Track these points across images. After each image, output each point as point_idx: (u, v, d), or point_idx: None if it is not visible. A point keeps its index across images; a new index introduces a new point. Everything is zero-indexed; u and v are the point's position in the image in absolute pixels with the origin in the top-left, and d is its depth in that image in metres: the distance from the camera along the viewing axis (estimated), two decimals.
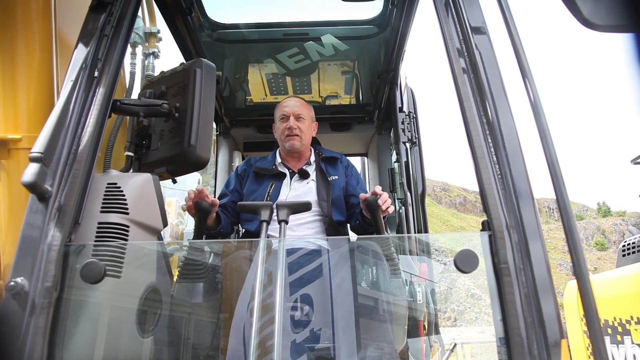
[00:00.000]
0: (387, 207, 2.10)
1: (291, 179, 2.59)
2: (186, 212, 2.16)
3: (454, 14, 1.59)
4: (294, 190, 2.54)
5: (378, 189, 2.10)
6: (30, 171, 1.29)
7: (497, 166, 1.34)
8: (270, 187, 2.52)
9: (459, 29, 1.56)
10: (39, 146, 1.35)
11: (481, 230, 1.32)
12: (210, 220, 2.26)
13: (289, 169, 2.64)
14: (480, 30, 1.52)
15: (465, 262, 1.26)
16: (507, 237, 1.25)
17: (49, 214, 1.32)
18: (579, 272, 1.08)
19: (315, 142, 2.86)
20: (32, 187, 1.29)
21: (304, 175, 2.59)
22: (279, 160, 2.69)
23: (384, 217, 2.21)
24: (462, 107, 1.45)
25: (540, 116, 1.24)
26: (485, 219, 1.32)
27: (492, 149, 1.36)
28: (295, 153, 2.67)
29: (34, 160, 1.32)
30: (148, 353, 1.63)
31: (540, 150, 1.23)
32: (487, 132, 1.39)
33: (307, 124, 2.65)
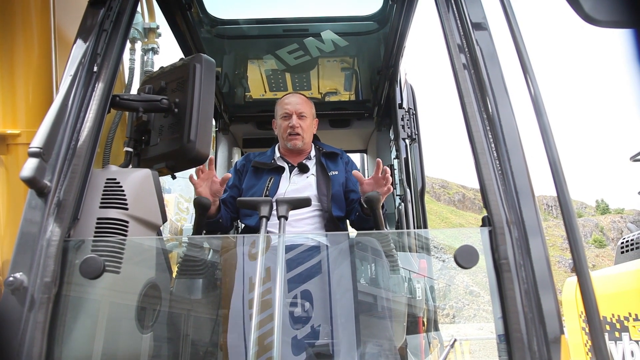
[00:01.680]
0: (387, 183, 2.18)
1: (290, 173, 2.58)
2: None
3: (455, 9, 1.58)
4: (293, 184, 2.52)
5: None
6: (29, 166, 1.29)
7: (497, 162, 1.34)
8: (269, 181, 2.50)
9: (459, 25, 1.55)
10: (37, 141, 1.34)
11: (481, 226, 1.32)
12: (214, 207, 2.28)
13: (288, 162, 2.63)
14: (481, 26, 1.51)
15: (465, 258, 1.26)
16: (508, 232, 1.25)
17: (48, 209, 1.31)
18: (580, 269, 1.08)
19: (315, 138, 2.84)
20: (31, 182, 1.29)
21: (303, 169, 2.57)
22: (277, 154, 2.68)
23: (383, 211, 2.22)
24: (463, 103, 1.45)
25: (541, 112, 1.24)
26: (486, 214, 1.32)
27: (493, 145, 1.36)
28: (295, 150, 2.66)
29: (32, 155, 1.31)
30: (147, 349, 1.63)
31: (540, 146, 1.22)
32: (488, 128, 1.38)
33: (308, 122, 2.65)
